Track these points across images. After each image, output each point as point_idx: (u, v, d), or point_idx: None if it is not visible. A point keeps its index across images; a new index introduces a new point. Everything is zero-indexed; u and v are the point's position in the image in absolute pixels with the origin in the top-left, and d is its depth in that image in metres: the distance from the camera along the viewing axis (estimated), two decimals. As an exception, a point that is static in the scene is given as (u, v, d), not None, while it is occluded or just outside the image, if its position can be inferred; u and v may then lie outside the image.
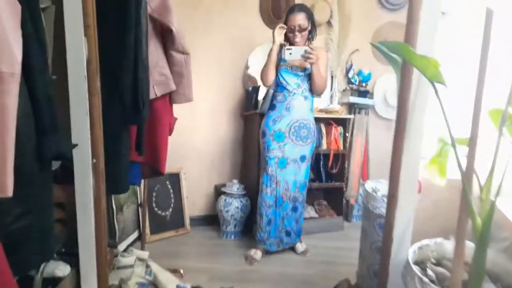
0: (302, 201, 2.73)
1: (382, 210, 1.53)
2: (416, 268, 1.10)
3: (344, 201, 3.48)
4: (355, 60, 3.63)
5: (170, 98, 2.01)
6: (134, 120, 1.63)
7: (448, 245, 1.21)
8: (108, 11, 1.52)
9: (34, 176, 0.99)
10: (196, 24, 3.28)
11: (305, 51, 2.42)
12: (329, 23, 3.51)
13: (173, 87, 1.91)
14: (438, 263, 1.24)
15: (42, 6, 1.29)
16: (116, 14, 1.54)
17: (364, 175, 3.80)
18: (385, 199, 1.57)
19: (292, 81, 2.59)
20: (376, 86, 3.71)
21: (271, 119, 2.62)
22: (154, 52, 1.82)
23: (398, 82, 1.41)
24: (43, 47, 0.96)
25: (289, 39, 2.62)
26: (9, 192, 0.81)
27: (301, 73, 2.60)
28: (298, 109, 2.59)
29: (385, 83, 3.70)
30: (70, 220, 1.48)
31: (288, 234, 2.75)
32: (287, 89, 2.59)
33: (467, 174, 1.00)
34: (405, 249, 1.32)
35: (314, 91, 2.64)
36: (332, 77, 3.61)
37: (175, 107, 2.11)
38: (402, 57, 1.05)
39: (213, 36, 3.33)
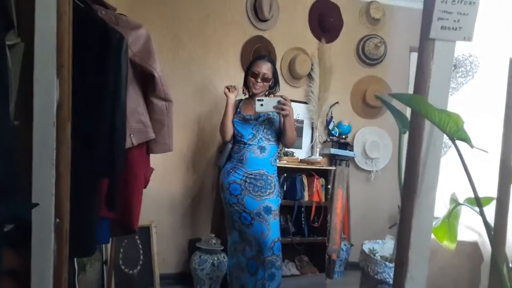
0: (280, 266, 2.34)
1: (384, 275, 1.38)
2: None
3: (326, 257, 3.29)
4: (335, 113, 3.63)
5: (147, 147, 1.85)
6: (107, 173, 1.44)
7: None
8: (85, 50, 1.37)
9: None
10: (176, 70, 3.19)
11: (278, 102, 2.23)
12: (309, 75, 3.52)
13: (152, 135, 1.76)
14: None
15: (9, 43, 1.12)
16: (94, 54, 1.40)
17: (346, 229, 3.66)
18: (388, 264, 1.42)
19: (245, 131, 2.45)
20: (356, 139, 3.71)
21: (226, 171, 2.47)
22: (134, 97, 1.68)
23: (401, 138, 1.31)
24: (6, 91, 0.79)
25: (247, 85, 2.50)
26: None
27: (254, 122, 2.43)
28: (253, 161, 2.40)
29: (364, 136, 3.71)
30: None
31: None
32: (242, 141, 2.45)
33: (498, 239, 0.88)
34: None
35: (285, 144, 2.49)
36: (313, 128, 3.57)
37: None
38: (418, 111, 0.95)
39: (193, 82, 3.25)
